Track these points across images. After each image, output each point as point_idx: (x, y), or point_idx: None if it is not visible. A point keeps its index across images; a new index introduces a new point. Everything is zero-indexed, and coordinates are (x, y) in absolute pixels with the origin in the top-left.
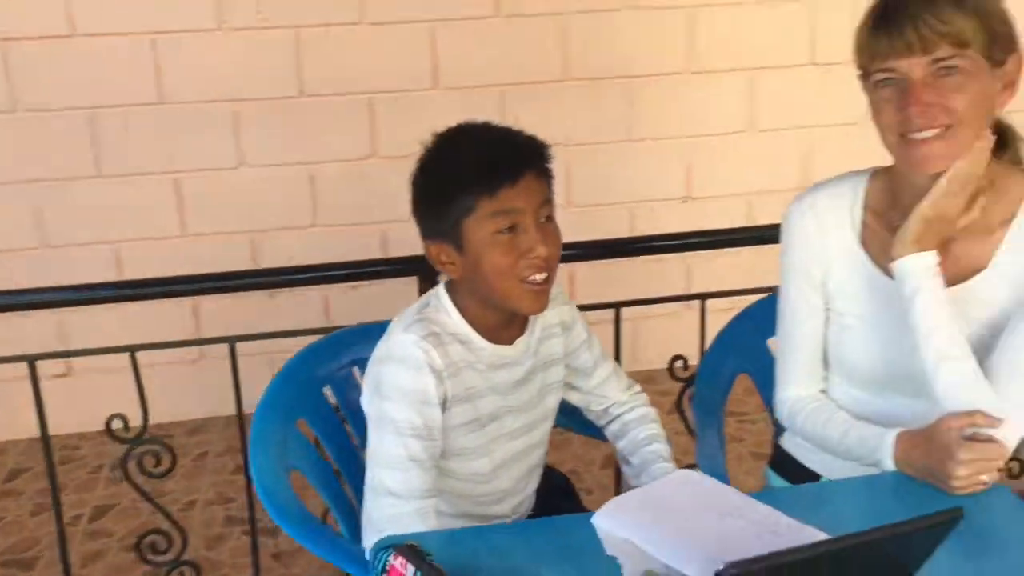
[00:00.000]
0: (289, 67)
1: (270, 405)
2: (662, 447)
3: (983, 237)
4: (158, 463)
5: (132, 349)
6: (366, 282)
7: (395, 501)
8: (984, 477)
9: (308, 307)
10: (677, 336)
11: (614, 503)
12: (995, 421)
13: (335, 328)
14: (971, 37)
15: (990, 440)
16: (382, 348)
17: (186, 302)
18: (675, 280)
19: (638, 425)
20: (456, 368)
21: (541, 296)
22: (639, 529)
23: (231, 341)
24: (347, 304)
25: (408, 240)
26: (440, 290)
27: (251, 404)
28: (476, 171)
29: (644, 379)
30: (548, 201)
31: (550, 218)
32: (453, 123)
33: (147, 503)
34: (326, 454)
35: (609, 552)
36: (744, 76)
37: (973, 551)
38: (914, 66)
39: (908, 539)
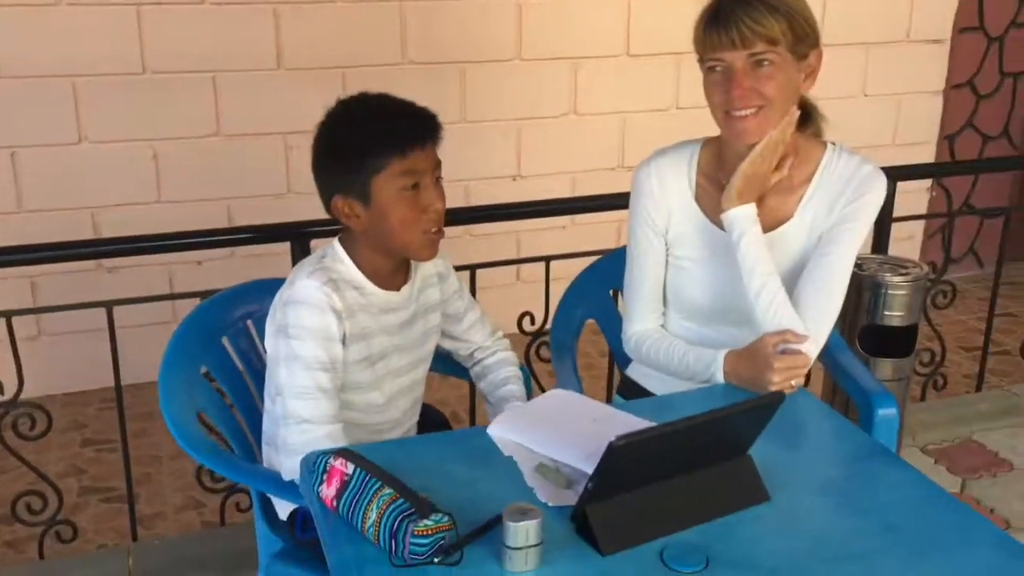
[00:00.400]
0: (132, 44)
1: (176, 354)
2: (516, 388)
3: (789, 193)
4: (33, 426)
5: (8, 314)
6: (211, 258)
7: (309, 427)
8: (793, 382)
9: (151, 282)
10: (510, 305)
11: (503, 416)
12: (801, 338)
13: (214, 291)
14: (780, 37)
15: (798, 353)
16: (286, 293)
17: (25, 278)
18: (506, 253)
19: (497, 368)
20: (352, 311)
21: (435, 244)
22: (527, 434)
23: (108, 305)
24: (191, 279)
25: (252, 213)
26: (335, 244)
27: (94, 380)
28: (390, 134)
29: None
30: (439, 164)
31: (440, 179)
32: (297, 104)
33: None
34: (227, 398)
35: (506, 453)
36: (567, 64)
37: (787, 438)
38: (736, 58)
39: (745, 416)
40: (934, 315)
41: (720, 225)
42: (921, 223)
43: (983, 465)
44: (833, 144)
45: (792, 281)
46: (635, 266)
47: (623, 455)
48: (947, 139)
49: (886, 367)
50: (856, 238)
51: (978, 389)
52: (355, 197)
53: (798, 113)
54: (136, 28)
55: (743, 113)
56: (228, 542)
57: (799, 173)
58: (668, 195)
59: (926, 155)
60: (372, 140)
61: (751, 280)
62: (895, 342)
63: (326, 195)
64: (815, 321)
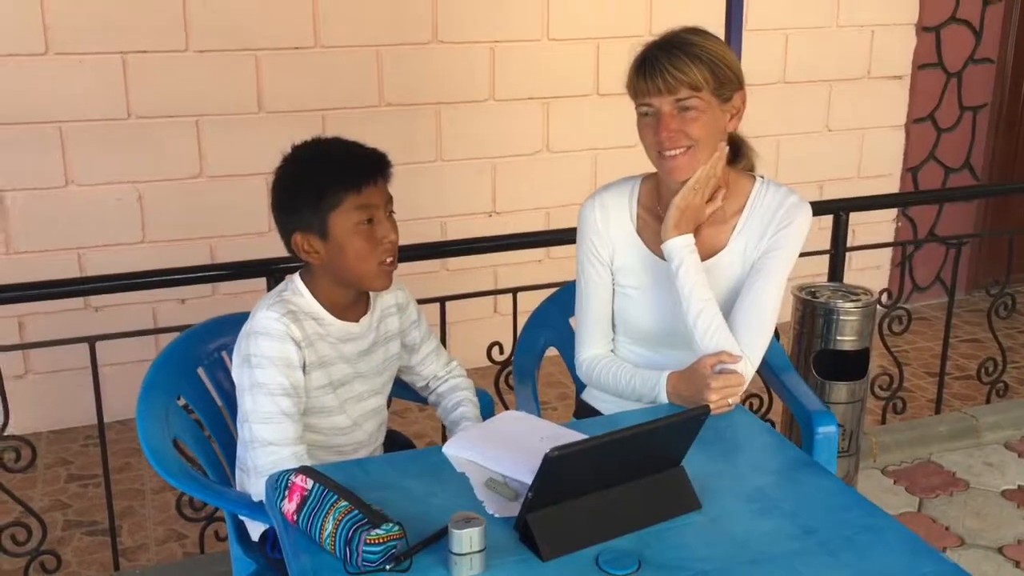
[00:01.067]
0: (117, 90)
1: (153, 384)
2: (467, 410)
3: (722, 224)
4: (18, 459)
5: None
6: (193, 296)
7: (275, 449)
8: (730, 400)
9: (136, 320)
10: (487, 337)
11: (458, 436)
12: (736, 358)
13: (189, 325)
14: (703, 83)
15: (733, 373)
16: (248, 325)
17: (12, 318)
18: (484, 287)
19: (449, 395)
20: (310, 340)
21: (389, 275)
22: (479, 451)
23: (91, 341)
24: (175, 317)
25: (234, 252)
26: (295, 277)
27: (80, 417)
28: (344, 173)
29: None
30: (391, 199)
31: (392, 213)
32: (278, 146)
33: None
34: (203, 426)
35: (459, 470)
36: (540, 104)
37: (724, 451)
38: (663, 103)
39: (674, 428)
40: (898, 341)
41: (661, 255)
42: (888, 253)
43: (940, 485)
44: (761, 177)
45: (728, 305)
46: (584, 296)
47: (558, 465)
48: (910, 171)
49: (840, 390)
50: (784, 264)
51: (937, 412)
52: (313, 233)
53: (727, 149)
54: (121, 75)
55: (673, 153)
56: (207, 569)
57: (731, 205)
58: (611, 228)
59: (890, 187)
60: (328, 179)
61: (689, 306)
62: (849, 366)
63: (286, 234)
64: (749, 343)
